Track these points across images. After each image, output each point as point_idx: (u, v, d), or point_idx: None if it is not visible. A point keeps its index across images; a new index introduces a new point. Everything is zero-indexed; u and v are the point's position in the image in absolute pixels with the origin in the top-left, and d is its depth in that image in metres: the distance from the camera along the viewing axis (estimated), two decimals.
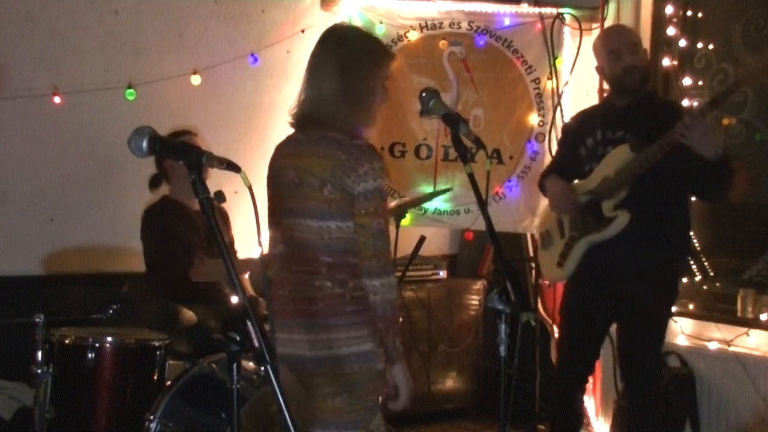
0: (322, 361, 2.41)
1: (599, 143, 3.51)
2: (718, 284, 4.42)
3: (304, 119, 2.48)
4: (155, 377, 3.13)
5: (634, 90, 3.48)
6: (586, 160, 3.55)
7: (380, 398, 2.47)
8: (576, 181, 3.59)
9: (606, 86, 4.04)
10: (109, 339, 3.06)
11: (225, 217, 3.93)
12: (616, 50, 3.49)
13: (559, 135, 3.76)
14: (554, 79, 4.77)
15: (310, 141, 2.46)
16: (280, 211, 2.50)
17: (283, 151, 2.55)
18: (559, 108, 4.75)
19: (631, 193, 3.36)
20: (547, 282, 3.85)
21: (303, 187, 2.42)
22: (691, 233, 3.84)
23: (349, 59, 2.44)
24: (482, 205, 2.34)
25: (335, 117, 2.42)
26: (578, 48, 4.74)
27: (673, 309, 4.35)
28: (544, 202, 4.47)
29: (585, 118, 3.71)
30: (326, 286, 2.41)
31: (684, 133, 3.10)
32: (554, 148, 4.74)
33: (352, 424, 2.41)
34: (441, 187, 4.82)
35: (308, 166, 2.42)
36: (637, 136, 3.38)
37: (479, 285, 5.16)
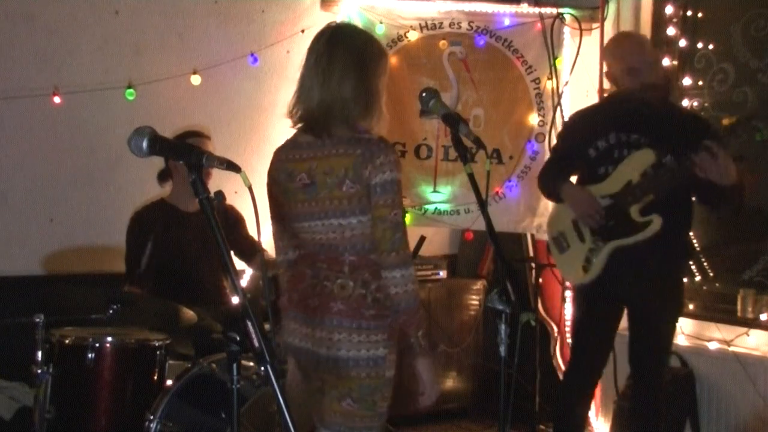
0: (325, 360, 2.39)
1: (614, 146, 3.46)
2: (718, 284, 4.42)
3: (313, 121, 2.43)
4: (155, 377, 3.12)
5: (649, 103, 3.43)
6: (599, 162, 3.49)
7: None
8: (592, 186, 3.51)
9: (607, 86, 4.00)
10: (109, 339, 3.06)
11: (233, 217, 3.89)
12: (635, 68, 3.42)
13: (560, 129, 3.70)
14: (554, 79, 4.76)
15: (323, 143, 2.41)
16: (292, 217, 2.46)
17: (289, 156, 2.48)
18: (559, 108, 4.74)
19: (659, 197, 3.34)
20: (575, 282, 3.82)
21: (320, 188, 2.38)
22: (691, 232, 3.86)
23: (365, 59, 2.41)
24: (482, 205, 2.34)
25: (349, 117, 2.39)
26: (578, 48, 4.74)
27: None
28: (544, 203, 4.48)
29: (594, 116, 3.65)
30: (348, 286, 2.38)
31: (703, 168, 3.14)
32: None
33: (366, 430, 2.39)
34: (441, 188, 4.83)
35: (324, 167, 2.38)
36: (654, 141, 3.36)
37: (479, 285, 5.16)
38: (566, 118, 3.80)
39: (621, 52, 3.55)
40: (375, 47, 2.47)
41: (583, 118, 3.71)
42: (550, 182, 3.60)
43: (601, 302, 3.54)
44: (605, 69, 3.61)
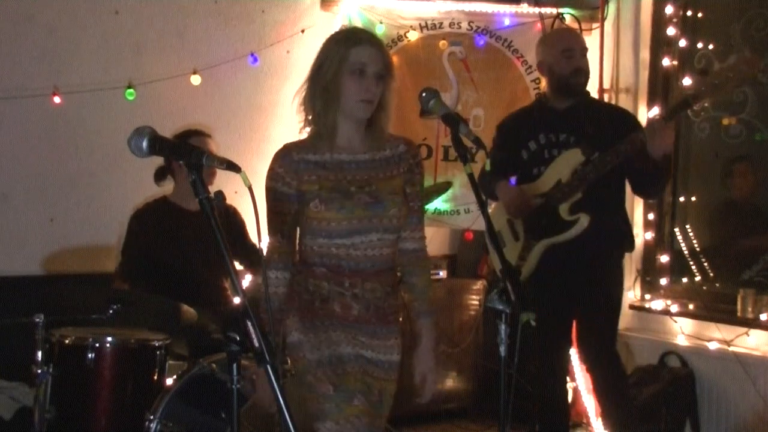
0: None
1: (544, 146, 3.57)
2: (718, 284, 4.42)
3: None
4: (155, 377, 3.12)
5: (578, 92, 3.58)
6: (531, 163, 3.59)
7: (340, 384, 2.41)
8: (525, 185, 3.60)
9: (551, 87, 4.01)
10: (109, 339, 3.05)
11: (242, 224, 3.87)
12: (571, 49, 3.57)
13: (494, 135, 3.81)
14: None
15: None
16: None
17: None
18: None
19: (586, 195, 3.44)
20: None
21: None
22: (690, 233, 3.88)
23: (318, 58, 2.47)
24: (482, 205, 2.34)
25: (315, 112, 2.45)
26: None
27: (673, 308, 4.38)
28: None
29: (523, 119, 3.75)
30: None
31: (649, 141, 3.24)
32: None
33: (317, 413, 2.40)
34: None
35: None
36: (581, 140, 3.47)
37: (479, 285, 5.16)
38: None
39: (556, 36, 3.87)
40: (336, 37, 2.50)
41: (513, 121, 3.80)
42: (488, 183, 3.64)
43: (550, 301, 3.58)
44: (538, 60, 3.73)
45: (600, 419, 4.52)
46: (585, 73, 3.59)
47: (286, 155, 2.45)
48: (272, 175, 2.44)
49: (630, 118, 3.70)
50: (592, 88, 4.68)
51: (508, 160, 3.66)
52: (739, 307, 4.12)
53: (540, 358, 3.68)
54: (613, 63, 4.85)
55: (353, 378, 2.42)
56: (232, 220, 3.84)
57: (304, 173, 2.42)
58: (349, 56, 2.40)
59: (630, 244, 3.73)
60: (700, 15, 4.57)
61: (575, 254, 3.49)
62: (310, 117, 2.46)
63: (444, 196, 4.80)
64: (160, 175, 3.81)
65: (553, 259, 3.53)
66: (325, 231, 2.40)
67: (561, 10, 4.78)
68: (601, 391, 3.68)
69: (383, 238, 2.45)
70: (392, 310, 2.53)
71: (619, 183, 3.54)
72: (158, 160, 3.79)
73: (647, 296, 4.67)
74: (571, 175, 3.45)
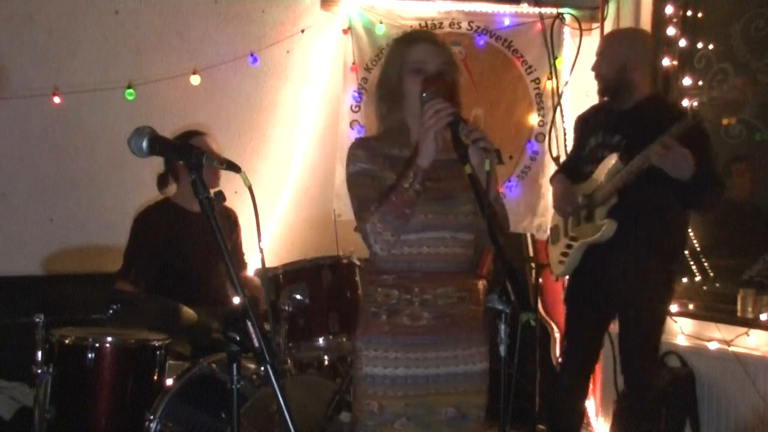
0: None
1: (599, 146, 3.59)
2: (718, 284, 4.42)
3: None
4: (155, 377, 3.12)
5: (609, 96, 3.61)
6: (586, 161, 3.63)
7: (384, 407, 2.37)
8: (579, 184, 3.65)
9: None
10: (109, 339, 3.06)
11: (233, 220, 3.91)
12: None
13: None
14: (554, 79, 4.77)
15: None
16: None
17: None
18: (558, 108, 4.75)
19: (621, 200, 3.44)
20: (552, 276, 4.00)
21: None
22: (691, 233, 3.88)
23: (382, 60, 2.52)
24: (482, 205, 2.34)
25: (382, 116, 2.45)
26: (578, 48, 4.74)
27: (672, 308, 4.38)
28: (544, 202, 4.57)
29: (593, 115, 3.79)
30: None
31: (660, 161, 3.22)
32: (554, 148, 4.77)
33: (359, 427, 2.39)
34: None
35: None
36: (632, 143, 3.44)
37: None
38: (566, 119, 4.02)
39: None
40: (395, 46, 2.49)
41: (585, 115, 3.86)
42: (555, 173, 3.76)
43: (586, 302, 3.61)
44: None
45: (600, 418, 4.53)
46: (598, 77, 3.64)
47: (366, 143, 2.44)
48: (355, 159, 2.37)
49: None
50: (593, 88, 4.68)
51: (574, 153, 3.77)
52: (739, 307, 4.11)
53: (571, 358, 3.69)
54: None
55: (401, 402, 2.36)
56: (233, 226, 3.87)
57: (386, 163, 2.38)
58: (409, 56, 2.39)
59: (670, 254, 3.60)
60: (700, 15, 4.57)
61: (611, 259, 3.49)
62: (379, 121, 2.46)
63: None
64: (162, 182, 3.80)
65: (592, 261, 3.56)
66: None
67: (561, 10, 4.77)
68: (626, 391, 3.70)
69: (456, 236, 2.45)
70: (469, 316, 2.52)
71: (660, 191, 3.41)
72: (159, 161, 3.79)
73: None
74: (606, 179, 3.48)
